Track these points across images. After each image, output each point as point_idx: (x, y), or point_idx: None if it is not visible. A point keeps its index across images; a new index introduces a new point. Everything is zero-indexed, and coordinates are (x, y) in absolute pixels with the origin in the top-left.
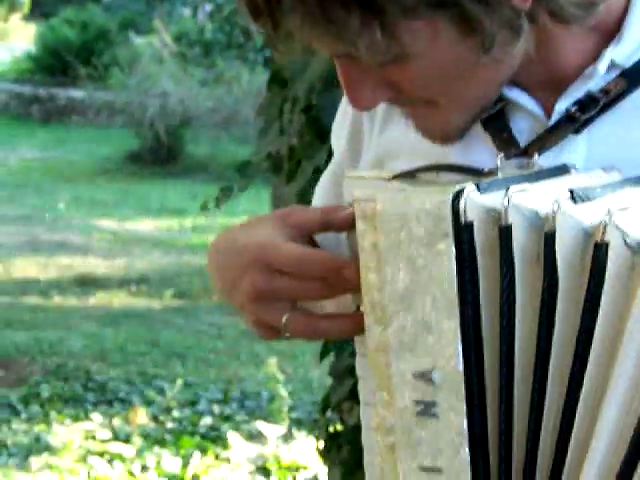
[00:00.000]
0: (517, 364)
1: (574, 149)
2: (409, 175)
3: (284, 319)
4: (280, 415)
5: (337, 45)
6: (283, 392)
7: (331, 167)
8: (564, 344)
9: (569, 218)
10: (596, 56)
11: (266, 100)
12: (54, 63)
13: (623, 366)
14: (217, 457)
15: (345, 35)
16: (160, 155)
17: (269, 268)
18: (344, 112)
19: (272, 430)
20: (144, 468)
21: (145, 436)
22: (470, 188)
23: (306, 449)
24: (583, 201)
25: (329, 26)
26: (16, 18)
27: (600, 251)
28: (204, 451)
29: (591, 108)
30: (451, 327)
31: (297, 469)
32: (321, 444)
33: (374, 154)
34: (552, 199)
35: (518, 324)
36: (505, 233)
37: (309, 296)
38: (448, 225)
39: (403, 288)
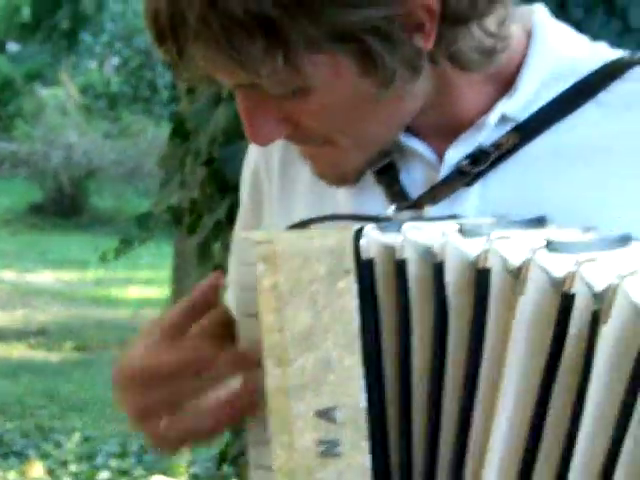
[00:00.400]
0: (415, 396)
1: (466, 201)
2: (303, 226)
3: (162, 426)
4: (179, 470)
5: (239, 74)
6: None
7: (238, 223)
8: (456, 371)
9: (456, 249)
10: (491, 107)
11: (168, 152)
12: None
13: (509, 388)
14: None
15: (248, 63)
16: (63, 207)
17: (140, 385)
18: (246, 165)
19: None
20: None
21: None
22: (369, 227)
23: None
24: (471, 236)
25: (232, 53)
26: None
27: (482, 277)
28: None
29: (482, 162)
30: (353, 364)
31: None
32: None
33: (272, 207)
34: (443, 234)
35: (416, 355)
36: (400, 267)
37: (187, 397)
38: (350, 262)
39: (303, 328)
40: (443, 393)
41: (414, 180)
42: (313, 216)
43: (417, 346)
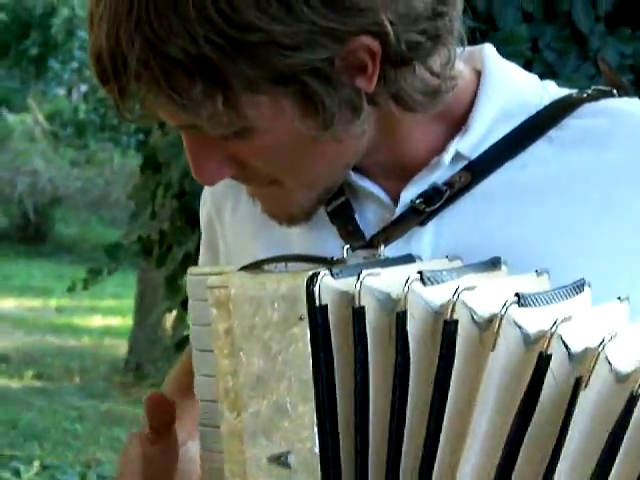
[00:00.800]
0: (371, 443)
1: (420, 240)
2: (256, 266)
3: None
4: None
5: (181, 115)
6: None
7: (200, 260)
8: (417, 422)
9: (419, 298)
10: (443, 146)
11: (139, 183)
12: None
13: (475, 440)
14: None
15: (188, 105)
16: (27, 234)
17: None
18: (202, 208)
19: None
20: None
21: None
22: (323, 272)
23: None
24: (432, 284)
25: (172, 95)
26: None
27: (449, 328)
28: None
29: (435, 200)
30: (307, 410)
31: None
32: None
33: (227, 246)
34: (402, 281)
35: (372, 403)
36: (358, 314)
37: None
38: (303, 308)
39: (257, 373)
40: (402, 447)
41: (368, 221)
42: (267, 254)
43: (375, 395)
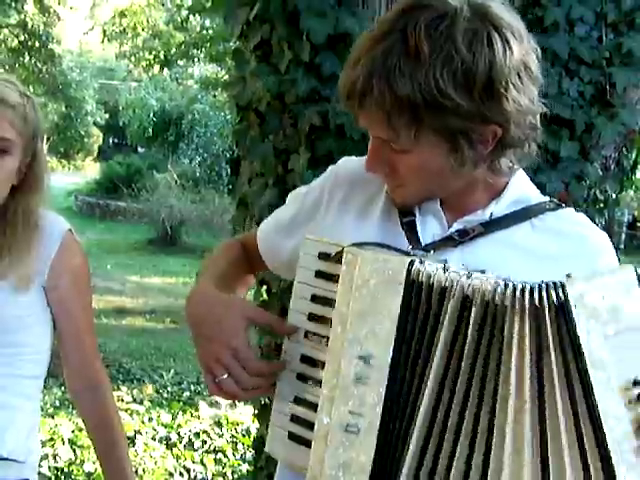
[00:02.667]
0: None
1: (451, 256)
2: (358, 246)
3: (221, 377)
4: None
5: (384, 131)
6: None
7: (283, 217)
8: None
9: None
10: (485, 205)
11: (236, 215)
12: (109, 185)
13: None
14: (192, 415)
15: (393, 128)
16: (166, 241)
17: (231, 352)
18: (314, 190)
19: (224, 401)
20: (150, 419)
21: (151, 401)
22: (418, 259)
23: (245, 412)
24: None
25: (388, 119)
26: (89, 160)
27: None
28: (184, 411)
29: (463, 236)
30: (389, 337)
31: (238, 424)
32: (255, 411)
33: (326, 226)
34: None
35: (437, 359)
36: (440, 292)
37: (246, 383)
38: (402, 277)
39: (363, 308)
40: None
41: (428, 231)
42: (357, 239)
43: (440, 356)
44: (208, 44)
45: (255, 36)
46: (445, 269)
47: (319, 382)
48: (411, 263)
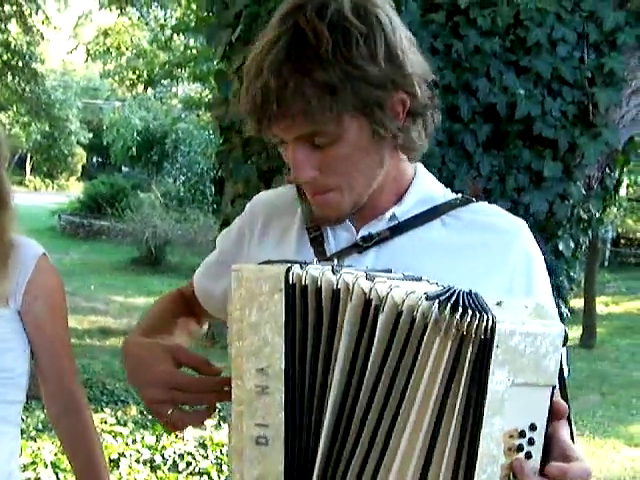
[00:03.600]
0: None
1: (359, 262)
2: (266, 263)
3: (169, 413)
4: (213, 414)
5: (310, 125)
6: None
7: (211, 259)
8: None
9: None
10: (389, 205)
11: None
12: (93, 205)
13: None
14: (176, 436)
15: (317, 116)
16: (151, 260)
17: (164, 387)
18: (235, 224)
19: (208, 422)
20: (134, 441)
21: (135, 423)
22: (295, 266)
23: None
24: (371, 280)
25: (312, 113)
26: (72, 179)
27: (377, 311)
28: (168, 433)
29: (368, 241)
30: (278, 343)
31: (223, 445)
32: None
33: (250, 259)
34: (351, 277)
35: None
36: (334, 293)
37: (194, 402)
38: (282, 284)
39: (254, 320)
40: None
41: (339, 243)
42: (273, 259)
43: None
44: (192, 64)
45: (237, 57)
46: (334, 271)
47: None
48: (288, 269)
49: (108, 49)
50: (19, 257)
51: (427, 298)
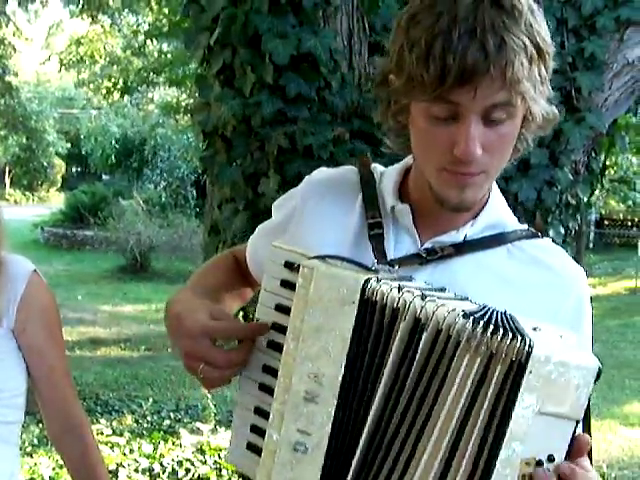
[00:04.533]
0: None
1: (421, 273)
2: (321, 258)
3: (200, 368)
4: (209, 418)
5: (501, 95)
6: (211, 404)
7: (267, 225)
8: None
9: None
10: (461, 225)
11: (208, 241)
12: (75, 215)
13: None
14: (173, 444)
15: (520, 85)
16: (136, 267)
17: (196, 339)
18: (290, 197)
19: (205, 427)
20: (131, 451)
21: (131, 432)
22: (374, 278)
23: (227, 437)
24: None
25: (519, 79)
26: (53, 190)
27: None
28: (166, 440)
29: (432, 255)
30: (340, 355)
31: (221, 449)
32: None
33: (294, 236)
34: (411, 297)
35: (384, 377)
36: (393, 312)
37: (219, 362)
38: (356, 296)
39: (316, 324)
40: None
41: (400, 247)
42: (326, 249)
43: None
44: (167, 69)
45: (217, 61)
46: (399, 289)
47: None
48: (366, 281)
49: (81, 58)
50: (9, 275)
51: (463, 316)
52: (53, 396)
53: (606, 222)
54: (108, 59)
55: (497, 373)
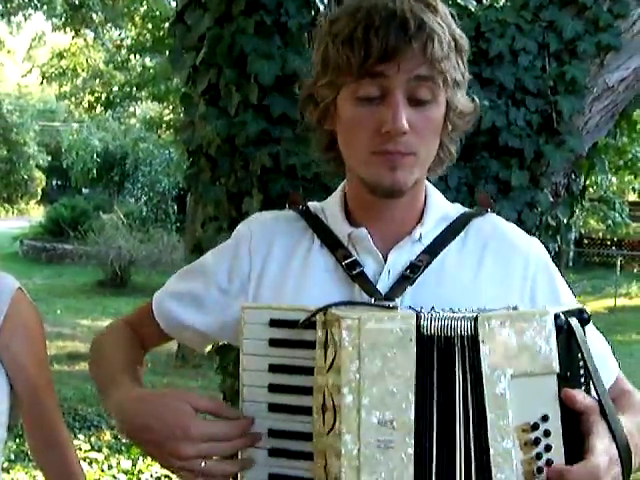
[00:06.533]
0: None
1: (404, 298)
2: (324, 309)
3: (202, 464)
4: None
5: (434, 68)
6: None
7: (197, 284)
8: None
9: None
10: (411, 226)
11: (190, 259)
12: (55, 229)
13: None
14: (152, 459)
15: (440, 63)
16: (116, 282)
17: (191, 439)
18: (247, 235)
19: None
20: (110, 467)
21: (110, 448)
22: (423, 315)
23: None
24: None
25: (442, 55)
26: (32, 202)
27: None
28: (144, 456)
29: (416, 271)
30: (407, 395)
31: None
32: None
33: (261, 296)
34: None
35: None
36: (450, 341)
37: (223, 452)
38: (413, 334)
39: (376, 371)
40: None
41: (369, 272)
42: (302, 296)
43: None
44: (150, 83)
45: (203, 80)
46: (441, 318)
47: (296, 453)
48: (418, 318)
49: (64, 71)
50: None
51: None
52: (36, 413)
53: (586, 241)
54: (90, 73)
55: (457, 358)
